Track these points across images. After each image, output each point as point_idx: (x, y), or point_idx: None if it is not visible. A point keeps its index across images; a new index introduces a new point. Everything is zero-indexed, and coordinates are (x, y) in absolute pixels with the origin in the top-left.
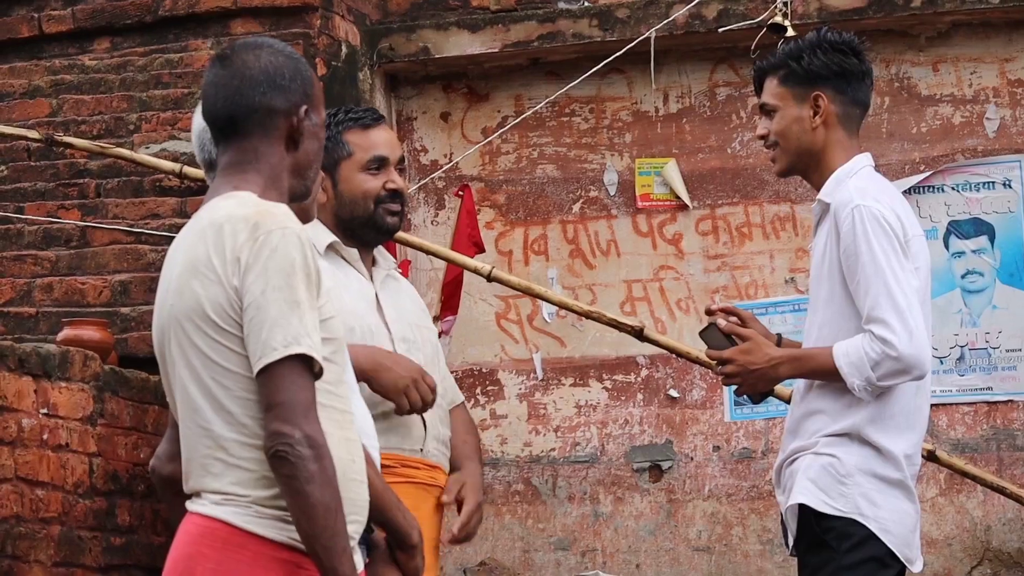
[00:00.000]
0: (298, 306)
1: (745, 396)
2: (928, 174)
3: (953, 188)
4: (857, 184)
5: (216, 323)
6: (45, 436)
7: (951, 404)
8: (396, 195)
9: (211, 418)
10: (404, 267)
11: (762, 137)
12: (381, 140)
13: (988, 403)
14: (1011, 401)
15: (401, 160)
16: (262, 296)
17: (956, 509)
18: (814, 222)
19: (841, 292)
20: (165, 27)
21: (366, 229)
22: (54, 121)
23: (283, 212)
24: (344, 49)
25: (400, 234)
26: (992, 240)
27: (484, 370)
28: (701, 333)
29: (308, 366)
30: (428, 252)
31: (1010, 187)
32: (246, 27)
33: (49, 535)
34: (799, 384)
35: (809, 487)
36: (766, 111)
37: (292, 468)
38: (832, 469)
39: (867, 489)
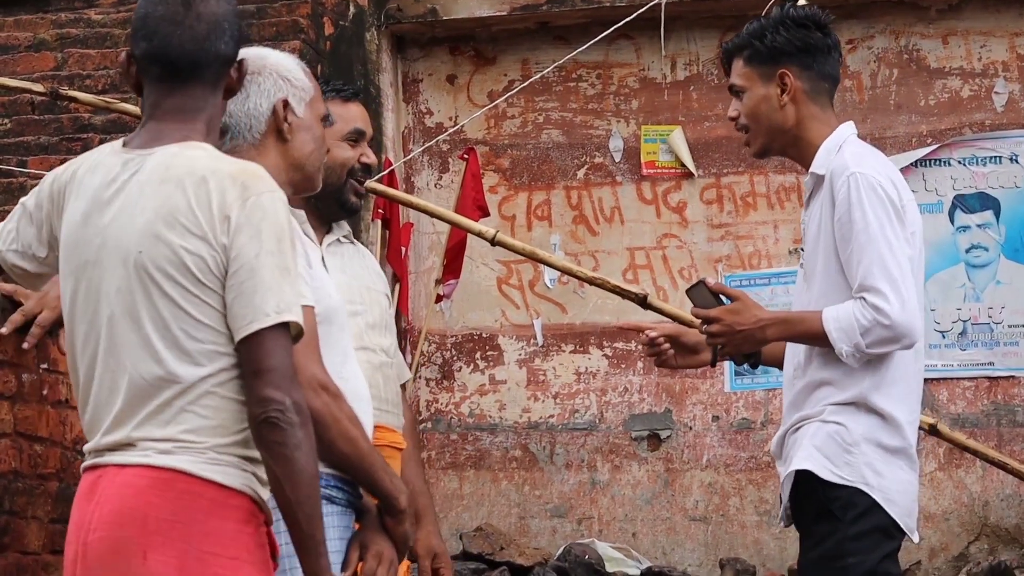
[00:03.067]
0: (288, 272)
1: (730, 358)
2: (935, 147)
3: (960, 162)
4: (852, 151)
5: (196, 277)
6: (44, 391)
7: (952, 379)
8: (367, 170)
9: (175, 366)
10: (407, 230)
11: (733, 119)
12: (360, 115)
13: (989, 378)
14: (1012, 377)
15: (371, 139)
16: (256, 259)
17: (955, 484)
18: (806, 196)
19: (836, 264)
20: None
21: (329, 201)
22: (59, 75)
23: (266, 174)
24: (352, 9)
25: (404, 195)
26: (997, 215)
27: (484, 335)
28: (688, 291)
29: (290, 333)
30: (432, 214)
31: (1017, 162)
32: None
33: (47, 491)
34: (799, 357)
35: (814, 454)
36: (734, 92)
37: (282, 435)
38: (839, 437)
39: (872, 459)
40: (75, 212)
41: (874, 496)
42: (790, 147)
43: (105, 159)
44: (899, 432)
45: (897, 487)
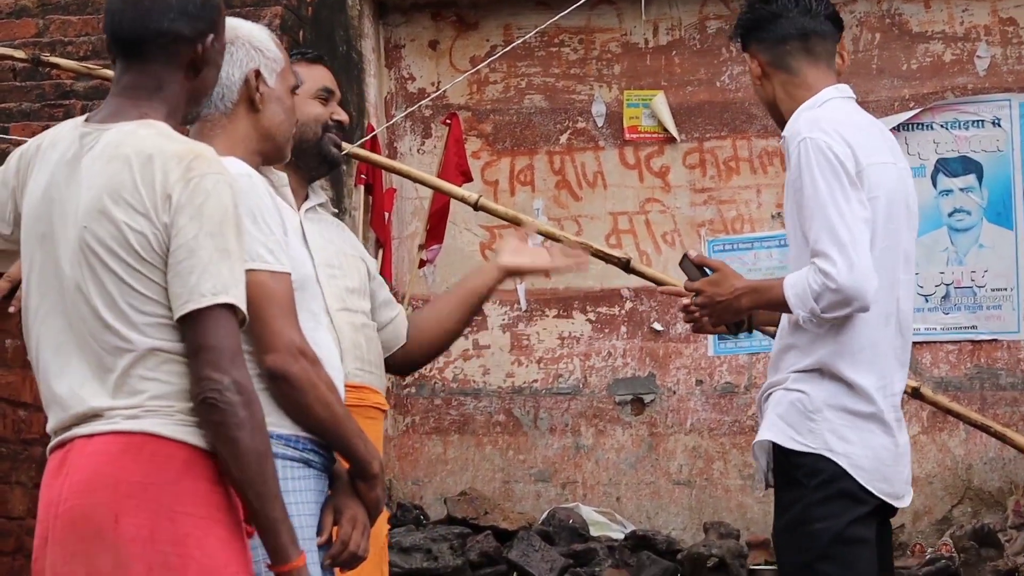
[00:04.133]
0: (228, 255)
1: (719, 329)
2: (917, 111)
3: (942, 126)
4: (808, 116)
5: (139, 254)
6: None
7: (935, 342)
8: (340, 126)
9: (129, 335)
10: (390, 195)
11: None
12: (326, 75)
13: (972, 342)
14: (995, 340)
15: (342, 102)
16: (194, 240)
17: (938, 447)
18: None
19: (800, 229)
20: None
21: (310, 157)
22: (40, 41)
23: (214, 156)
24: None
25: (387, 161)
26: (980, 179)
27: None
28: (680, 264)
29: (234, 314)
30: (415, 180)
31: (999, 126)
32: None
33: (31, 456)
34: (783, 320)
35: (777, 423)
36: None
37: (221, 415)
38: (800, 404)
39: (836, 424)
40: (36, 186)
41: (838, 462)
42: (778, 118)
43: (66, 133)
44: (867, 398)
45: (866, 452)
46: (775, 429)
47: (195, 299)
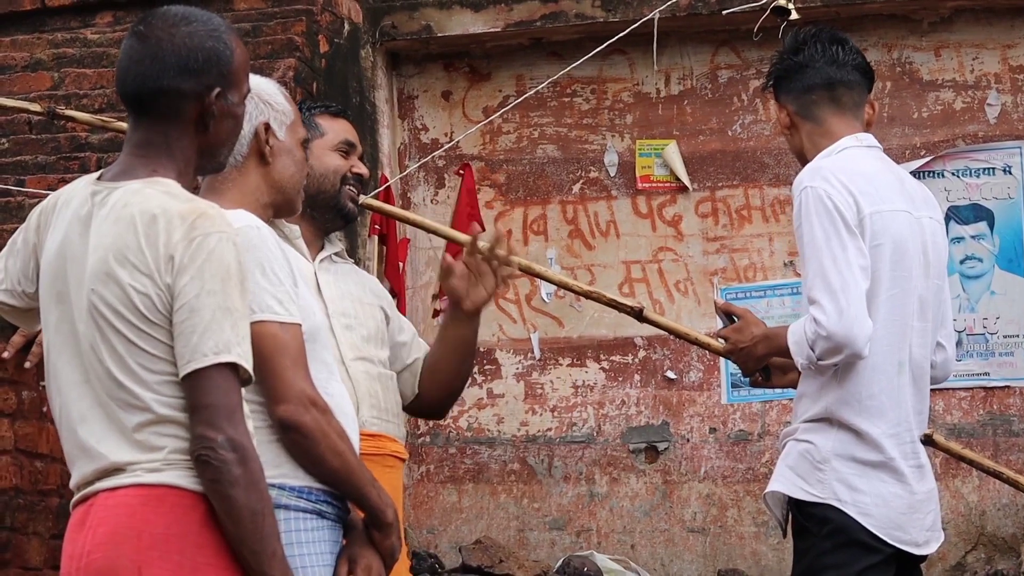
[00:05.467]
0: (231, 313)
1: (746, 379)
2: (928, 159)
3: (953, 173)
4: (813, 165)
5: (144, 315)
6: (44, 409)
7: (948, 389)
8: (360, 179)
9: (143, 395)
10: (404, 245)
11: None
12: (348, 129)
13: (985, 388)
14: (1008, 387)
15: (362, 155)
16: (196, 299)
17: (952, 494)
18: None
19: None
20: (167, 1)
21: (327, 209)
22: (56, 94)
23: (218, 214)
24: (346, 26)
25: (401, 211)
26: (991, 226)
27: (482, 349)
28: (716, 312)
29: (236, 372)
30: (428, 230)
31: (1010, 173)
32: (249, 3)
33: (48, 507)
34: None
35: (787, 474)
36: None
37: (215, 472)
38: (809, 456)
39: (845, 474)
40: (52, 243)
41: (847, 511)
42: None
43: (80, 190)
44: (875, 446)
45: (875, 500)
46: (784, 480)
47: (197, 359)
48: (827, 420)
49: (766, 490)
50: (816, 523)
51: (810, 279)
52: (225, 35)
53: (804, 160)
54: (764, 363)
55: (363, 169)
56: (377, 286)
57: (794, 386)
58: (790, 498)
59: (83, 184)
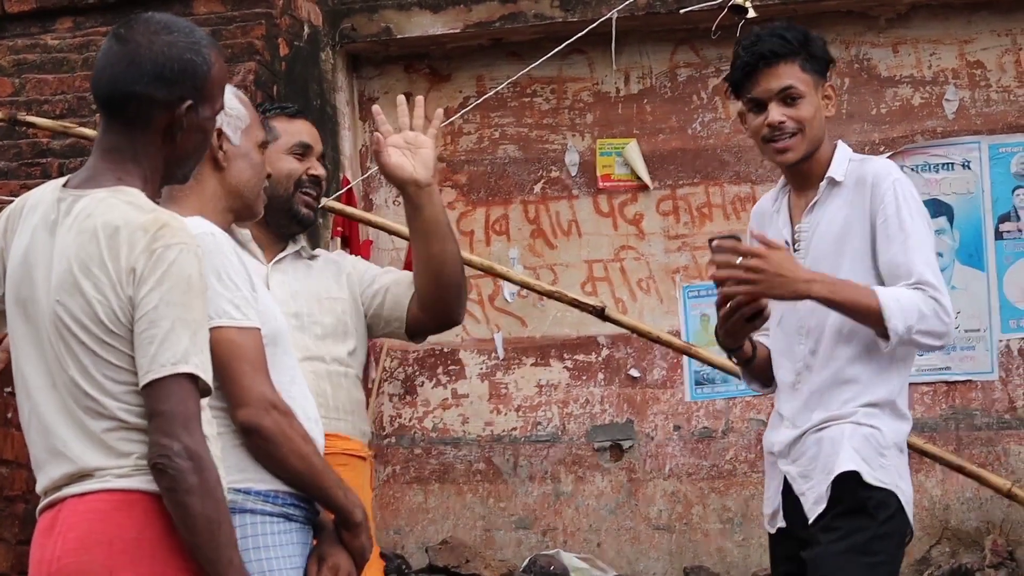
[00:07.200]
0: (190, 324)
1: (733, 309)
2: (888, 155)
3: (912, 169)
4: (884, 160)
5: (107, 327)
6: (9, 415)
7: (910, 384)
8: (316, 182)
9: (108, 404)
10: (366, 247)
11: (779, 124)
12: (305, 130)
13: (947, 383)
14: (969, 381)
15: (322, 155)
16: (155, 311)
17: (915, 488)
18: (811, 201)
19: (867, 263)
20: (127, 6)
21: (281, 214)
22: (17, 100)
23: (180, 225)
24: (306, 29)
25: (363, 213)
26: (951, 221)
27: (445, 350)
28: (712, 247)
29: (194, 382)
30: (391, 232)
31: (969, 168)
32: (209, 7)
33: (14, 513)
34: (819, 351)
35: (855, 456)
36: (785, 97)
37: (171, 480)
38: (874, 440)
39: (897, 463)
40: (17, 249)
41: (902, 499)
42: (812, 156)
43: (47, 195)
44: (906, 436)
45: (910, 492)
46: (855, 461)
47: (155, 369)
48: (890, 407)
49: (833, 470)
50: (876, 505)
51: (920, 267)
52: (205, 49)
53: (817, 145)
54: (799, 296)
55: (320, 170)
56: (352, 268)
57: (739, 356)
58: (853, 476)
59: (50, 189)
